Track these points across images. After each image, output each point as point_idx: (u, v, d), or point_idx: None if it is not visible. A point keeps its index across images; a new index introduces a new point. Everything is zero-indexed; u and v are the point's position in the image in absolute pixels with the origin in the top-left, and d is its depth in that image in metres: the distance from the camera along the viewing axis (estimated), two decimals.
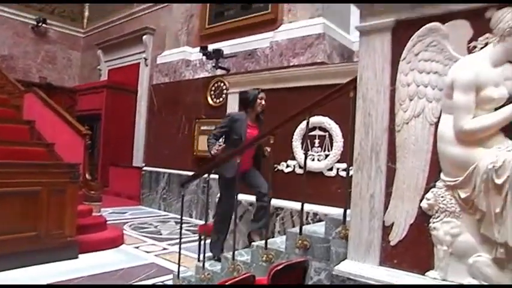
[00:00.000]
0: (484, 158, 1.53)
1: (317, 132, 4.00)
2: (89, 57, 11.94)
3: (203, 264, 3.11)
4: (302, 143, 4.05)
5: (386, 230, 1.80)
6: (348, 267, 1.87)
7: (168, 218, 6.80)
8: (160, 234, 5.55)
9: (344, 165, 3.47)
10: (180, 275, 3.22)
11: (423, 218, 1.70)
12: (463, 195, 1.59)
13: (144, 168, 8.10)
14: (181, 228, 3.58)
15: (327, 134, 3.96)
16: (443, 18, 1.68)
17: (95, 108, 9.82)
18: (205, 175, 3.16)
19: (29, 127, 5.57)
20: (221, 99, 6.65)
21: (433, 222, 1.67)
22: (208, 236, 3.49)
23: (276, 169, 4.17)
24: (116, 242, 4.76)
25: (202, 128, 6.97)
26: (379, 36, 1.85)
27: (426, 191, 1.70)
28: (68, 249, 3.98)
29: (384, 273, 1.76)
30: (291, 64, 5.50)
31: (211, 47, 6.76)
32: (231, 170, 3.26)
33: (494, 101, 1.56)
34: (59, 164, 4.49)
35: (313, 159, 3.99)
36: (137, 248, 4.77)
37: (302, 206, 2.61)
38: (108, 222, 5.12)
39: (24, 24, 11.15)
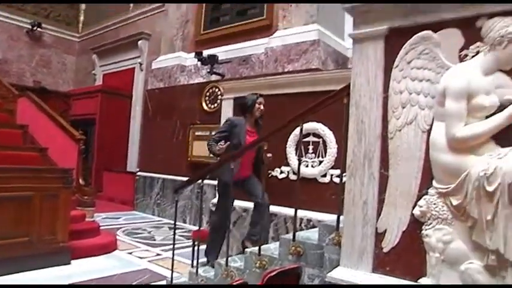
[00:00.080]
0: (475, 166, 1.54)
1: (311, 139, 4.01)
2: (84, 62, 11.90)
3: (196, 270, 3.10)
4: (296, 149, 4.06)
5: (379, 236, 1.80)
6: (341, 274, 1.87)
7: (162, 224, 6.76)
8: (154, 240, 5.52)
9: (338, 172, 3.48)
10: (174, 281, 3.21)
11: (416, 225, 1.71)
12: (455, 202, 1.60)
13: (138, 173, 8.06)
14: (174, 234, 3.58)
15: (320, 140, 3.97)
16: (436, 27, 1.70)
17: (89, 113, 9.76)
18: (200, 181, 3.16)
19: (22, 131, 5.53)
20: (216, 104, 6.65)
21: (426, 229, 1.68)
22: (202, 242, 3.47)
23: (270, 175, 4.18)
24: (109, 247, 4.72)
25: (196, 133, 6.96)
26: (372, 44, 1.87)
27: (419, 198, 1.71)
28: (60, 254, 3.94)
29: (376, 280, 1.76)
30: (286, 70, 5.50)
31: (206, 53, 6.76)
32: (229, 174, 3.23)
33: (486, 108, 1.58)
34: (52, 169, 4.45)
35: (307, 166, 4.00)
36: (130, 253, 4.73)
37: (295, 212, 2.61)
38: (101, 228, 5.08)
39: (18, 28, 11.11)
